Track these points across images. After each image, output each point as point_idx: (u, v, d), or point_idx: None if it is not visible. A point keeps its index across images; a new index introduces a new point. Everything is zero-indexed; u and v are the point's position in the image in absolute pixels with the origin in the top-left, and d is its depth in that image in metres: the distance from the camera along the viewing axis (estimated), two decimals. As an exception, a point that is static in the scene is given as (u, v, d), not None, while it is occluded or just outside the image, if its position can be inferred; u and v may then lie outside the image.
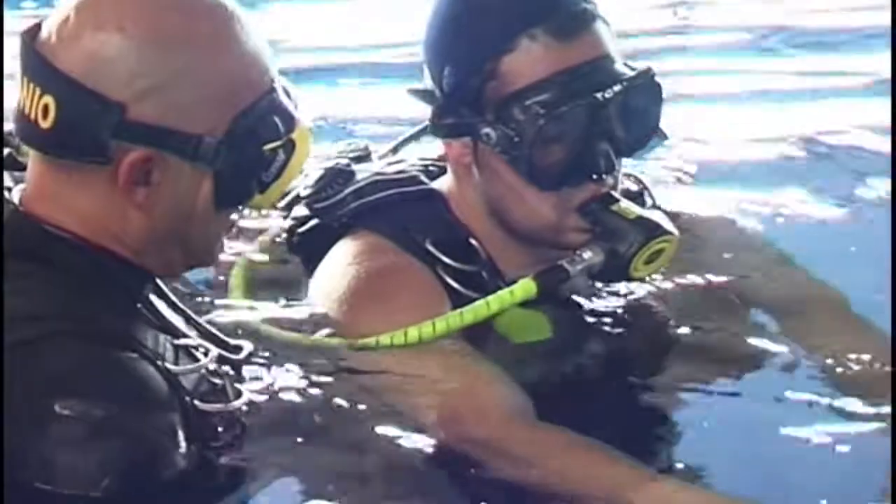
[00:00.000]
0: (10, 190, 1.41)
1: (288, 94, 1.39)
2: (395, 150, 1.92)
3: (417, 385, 1.56)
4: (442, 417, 1.51)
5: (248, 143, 1.34)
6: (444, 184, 1.74)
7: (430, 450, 1.50)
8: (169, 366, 1.33)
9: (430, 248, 1.66)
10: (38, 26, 1.35)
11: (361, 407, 1.54)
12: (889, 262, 1.79)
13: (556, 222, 1.64)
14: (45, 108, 1.30)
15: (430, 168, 1.78)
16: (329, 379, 1.57)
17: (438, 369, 1.57)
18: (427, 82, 1.68)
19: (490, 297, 1.61)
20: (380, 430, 1.51)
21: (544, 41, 1.59)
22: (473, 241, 1.69)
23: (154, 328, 1.38)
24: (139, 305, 1.38)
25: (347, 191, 1.73)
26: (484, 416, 1.51)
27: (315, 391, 1.55)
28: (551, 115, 1.58)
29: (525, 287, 1.61)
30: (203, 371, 1.40)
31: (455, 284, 1.65)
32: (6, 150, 1.53)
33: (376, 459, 1.49)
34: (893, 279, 1.75)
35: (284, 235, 1.79)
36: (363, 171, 1.76)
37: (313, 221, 1.74)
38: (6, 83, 1.73)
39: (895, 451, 1.43)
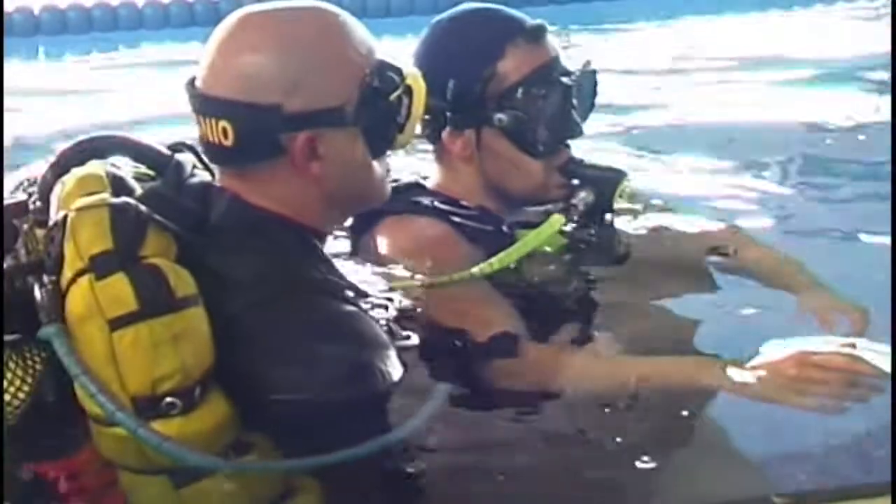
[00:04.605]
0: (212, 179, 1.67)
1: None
2: None
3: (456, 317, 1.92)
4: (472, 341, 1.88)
5: (378, 99, 1.65)
6: (428, 181, 2.23)
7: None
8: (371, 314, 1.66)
9: (441, 207, 2.13)
10: (193, 77, 1.64)
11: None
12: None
13: (545, 182, 2.17)
14: (224, 131, 1.59)
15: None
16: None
17: (469, 304, 1.95)
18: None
19: (536, 231, 2.08)
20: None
21: (523, 46, 2.12)
22: (464, 202, 2.16)
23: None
24: (330, 264, 1.69)
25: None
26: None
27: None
28: (545, 96, 2.10)
29: (558, 219, 2.11)
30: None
31: (472, 226, 2.11)
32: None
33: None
34: (893, 271, 2.01)
35: None
36: None
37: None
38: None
39: (895, 440, 1.59)
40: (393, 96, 1.66)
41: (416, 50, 2.18)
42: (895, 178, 2.43)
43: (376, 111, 1.65)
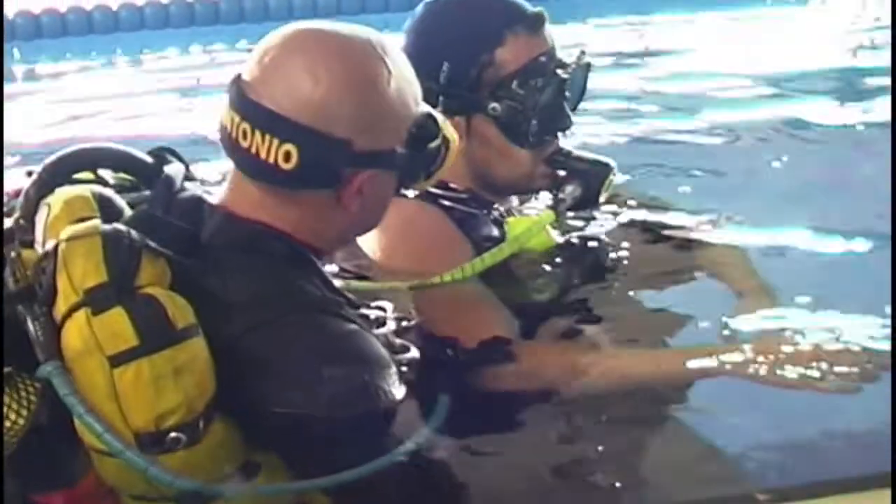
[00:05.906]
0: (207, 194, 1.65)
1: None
2: None
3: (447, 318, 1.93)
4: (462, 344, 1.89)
5: (421, 146, 1.66)
6: None
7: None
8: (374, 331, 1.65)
9: (431, 190, 2.06)
10: (239, 75, 1.59)
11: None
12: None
13: (531, 172, 2.15)
14: (287, 154, 1.54)
15: None
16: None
17: (461, 306, 1.96)
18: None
19: (525, 230, 2.08)
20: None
21: (523, 35, 2.08)
22: (453, 184, 2.13)
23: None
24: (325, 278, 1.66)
25: None
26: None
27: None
28: (541, 88, 2.07)
29: (548, 216, 2.12)
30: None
31: (462, 209, 2.11)
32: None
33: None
34: (893, 274, 2.00)
35: None
36: None
37: None
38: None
39: (895, 440, 1.60)
40: (433, 145, 1.67)
41: (408, 28, 2.13)
42: (895, 177, 2.41)
43: (418, 157, 1.66)
